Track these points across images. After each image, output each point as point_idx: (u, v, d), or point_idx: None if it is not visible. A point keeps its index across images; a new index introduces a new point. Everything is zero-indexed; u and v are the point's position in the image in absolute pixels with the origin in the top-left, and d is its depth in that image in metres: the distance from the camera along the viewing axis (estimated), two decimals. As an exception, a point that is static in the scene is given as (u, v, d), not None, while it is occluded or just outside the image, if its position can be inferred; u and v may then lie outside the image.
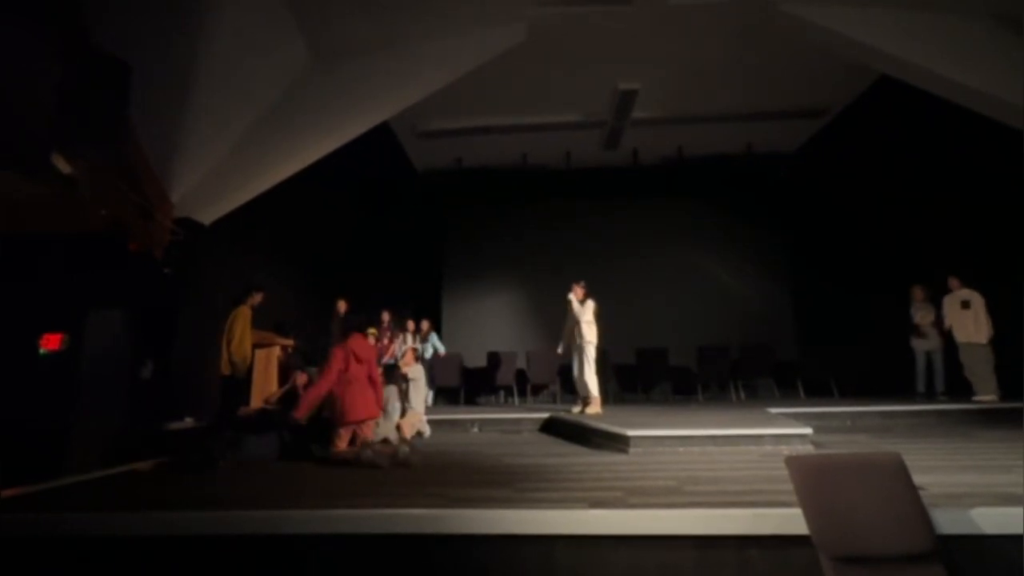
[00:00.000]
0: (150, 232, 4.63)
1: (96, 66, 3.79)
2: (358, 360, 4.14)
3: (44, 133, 3.36)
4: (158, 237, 4.73)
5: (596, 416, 5.30)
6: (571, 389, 8.01)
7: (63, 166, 3.71)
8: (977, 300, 5.78)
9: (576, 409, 5.69)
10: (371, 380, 4.23)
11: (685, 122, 7.79)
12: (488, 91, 6.83)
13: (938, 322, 6.16)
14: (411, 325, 7.37)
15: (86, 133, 3.71)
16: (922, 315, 6.29)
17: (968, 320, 5.76)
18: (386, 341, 6.85)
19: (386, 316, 7.07)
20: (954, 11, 5.06)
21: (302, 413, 4.01)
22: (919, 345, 6.33)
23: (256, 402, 4.89)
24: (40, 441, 3.68)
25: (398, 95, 5.80)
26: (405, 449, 3.80)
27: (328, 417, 4.14)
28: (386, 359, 6.46)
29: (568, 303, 5.90)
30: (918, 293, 6.42)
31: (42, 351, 4.19)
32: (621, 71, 6.61)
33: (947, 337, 6.01)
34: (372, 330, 6.18)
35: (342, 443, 3.96)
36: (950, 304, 5.97)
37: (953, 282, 6.01)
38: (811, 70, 6.51)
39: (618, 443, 4.07)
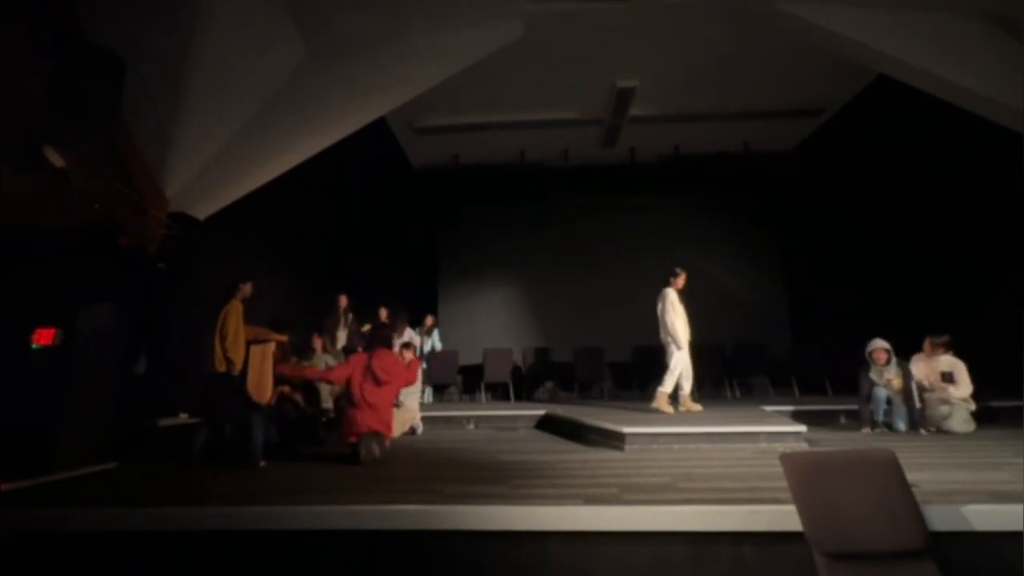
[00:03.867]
0: (144, 227, 4.60)
1: (89, 59, 3.74)
2: (376, 381, 3.85)
3: (36, 126, 3.33)
4: (152, 232, 4.69)
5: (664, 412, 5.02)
6: (565, 386, 8.06)
7: (56, 159, 3.68)
8: (961, 372, 4.68)
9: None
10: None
11: (683, 120, 7.79)
12: (486, 87, 6.81)
13: (906, 380, 4.77)
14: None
15: (79, 126, 3.67)
16: (892, 376, 4.81)
17: (949, 388, 4.65)
18: None
19: (383, 312, 7.06)
20: (950, 12, 5.08)
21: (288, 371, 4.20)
22: (881, 390, 4.79)
23: (261, 397, 4.84)
24: (32, 436, 3.66)
25: (395, 91, 5.77)
26: (374, 449, 3.71)
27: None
28: None
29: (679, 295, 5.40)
30: (881, 355, 4.85)
31: (35, 346, 4.16)
32: (619, 68, 6.61)
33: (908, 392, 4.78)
34: (367, 326, 6.14)
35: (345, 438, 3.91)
36: (927, 370, 4.80)
37: (928, 348, 4.85)
38: (808, 69, 6.52)
39: (614, 440, 4.08)
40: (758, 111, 7.54)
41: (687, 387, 5.24)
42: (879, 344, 4.90)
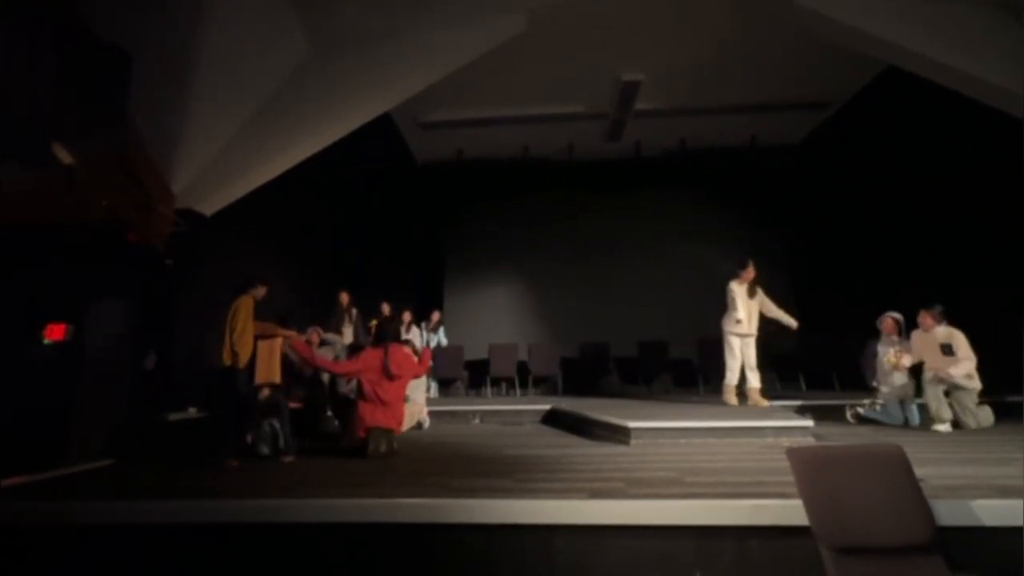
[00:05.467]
0: (151, 223, 4.63)
1: (96, 55, 3.76)
2: (390, 376, 3.87)
3: (44, 123, 3.35)
4: (160, 228, 4.72)
5: (731, 407, 5.03)
6: (571, 381, 8.06)
7: (64, 156, 3.70)
8: (960, 341, 4.50)
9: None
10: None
11: (688, 114, 7.74)
12: (489, 82, 6.78)
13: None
14: (407, 316, 7.37)
15: (87, 123, 3.70)
16: (895, 352, 4.71)
17: (951, 364, 4.44)
18: None
19: (386, 308, 7.08)
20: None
21: (308, 356, 4.11)
22: (891, 392, 4.81)
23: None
24: (42, 431, 3.70)
25: (398, 86, 5.77)
26: (381, 445, 3.71)
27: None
28: None
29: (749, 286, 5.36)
30: (889, 323, 4.93)
31: (46, 341, 4.20)
32: (624, 62, 6.56)
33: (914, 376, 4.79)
34: (374, 322, 6.17)
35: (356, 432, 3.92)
36: (924, 344, 4.66)
37: (926, 319, 4.69)
38: (815, 61, 6.45)
39: (619, 435, 4.09)
40: (764, 104, 7.47)
41: (754, 381, 5.22)
42: (889, 315, 4.97)
